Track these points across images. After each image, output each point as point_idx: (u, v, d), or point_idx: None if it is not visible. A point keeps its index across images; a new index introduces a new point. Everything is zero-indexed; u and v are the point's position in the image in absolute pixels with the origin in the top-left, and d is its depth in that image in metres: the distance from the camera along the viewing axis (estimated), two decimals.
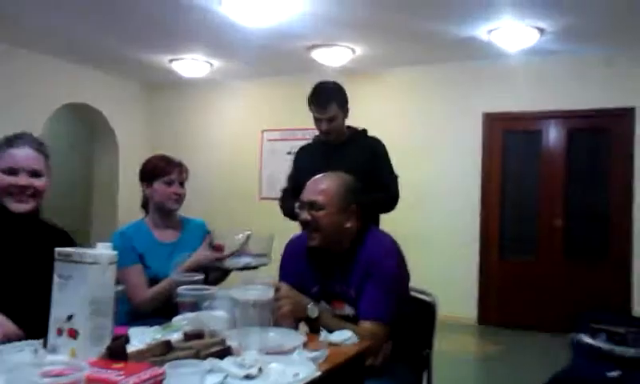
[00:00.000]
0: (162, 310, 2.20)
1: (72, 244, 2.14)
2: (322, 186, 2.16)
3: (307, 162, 3.28)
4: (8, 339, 1.61)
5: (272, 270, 2.20)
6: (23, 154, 2.01)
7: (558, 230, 6.16)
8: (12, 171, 1.99)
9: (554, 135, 6.29)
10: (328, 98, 3.15)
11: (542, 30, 5.30)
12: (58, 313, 1.51)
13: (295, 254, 2.29)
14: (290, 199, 3.12)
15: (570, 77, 6.07)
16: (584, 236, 6.15)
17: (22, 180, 1.99)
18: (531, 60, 6.11)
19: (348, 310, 2.12)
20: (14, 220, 2.02)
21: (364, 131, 3.38)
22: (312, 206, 2.13)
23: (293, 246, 2.34)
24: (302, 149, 3.47)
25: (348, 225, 2.13)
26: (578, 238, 6.15)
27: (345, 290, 2.12)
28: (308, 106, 3.23)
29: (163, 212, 2.59)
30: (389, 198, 3.23)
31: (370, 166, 3.13)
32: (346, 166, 3.12)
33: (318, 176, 2.22)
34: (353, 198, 2.15)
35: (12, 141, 2.03)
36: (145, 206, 2.68)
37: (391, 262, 2.12)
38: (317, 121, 3.20)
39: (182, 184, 2.60)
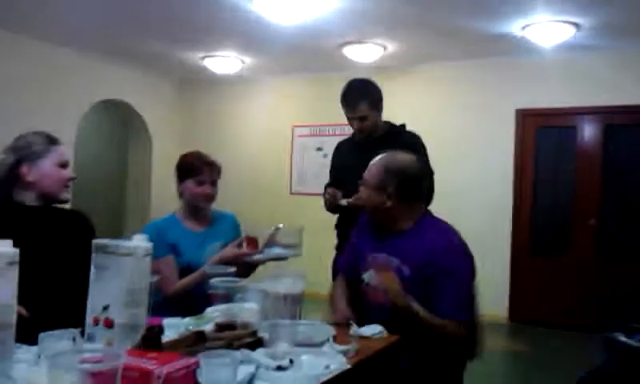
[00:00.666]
0: (193, 305, 2.23)
1: (88, 223, 2.26)
2: (372, 163, 2.27)
3: (344, 157, 3.28)
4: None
5: (303, 262, 2.23)
6: (66, 149, 2.19)
7: (592, 228, 6.05)
8: (66, 165, 2.16)
9: (589, 131, 6.17)
10: (358, 97, 3.12)
11: (577, 25, 5.20)
12: (94, 303, 1.55)
13: (362, 225, 2.42)
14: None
15: (606, 72, 5.95)
16: (620, 234, 6.02)
17: (72, 173, 2.19)
18: (565, 55, 6.00)
19: None
20: (33, 212, 2.12)
21: (402, 126, 3.33)
22: (361, 181, 2.29)
23: (362, 218, 2.45)
24: (341, 144, 3.45)
25: (388, 204, 2.18)
26: (613, 236, 6.03)
27: (399, 266, 2.14)
28: (340, 104, 3.22)
29: (193, 209, 2.63)
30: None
31: None
32: None
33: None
34: (391, 179, 2.19)
35: (55, 138, 2.18)
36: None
37: (468, 264, 2.17)
38: (349, 119, 3.19)
39: (213, 183, 2.61)
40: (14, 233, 1.99)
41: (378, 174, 2.22)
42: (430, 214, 2.34)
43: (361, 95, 3.13)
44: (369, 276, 2.15)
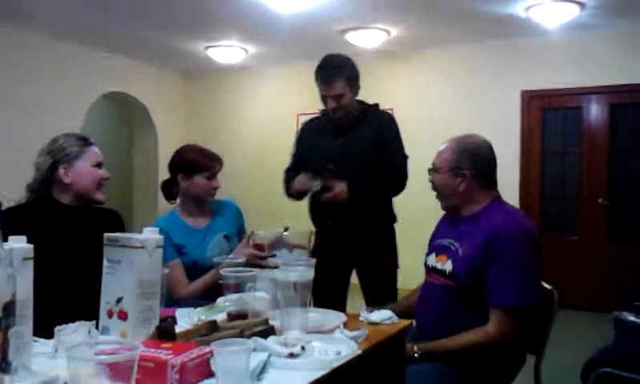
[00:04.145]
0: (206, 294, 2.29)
1: (120, 221, 2.35)
2: (441, 148, 2.24)
3: (315, 138, 3.07)
4: None
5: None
6: (99, 150, 2.24)
7: (601, 208, 6.05)
8: (100, 165, 2.22)
9: (595, 111, 6.15)
10: (334, 73, 2.84)
11: (581, 5, 5.17)
12: (107, 296, 1.57)
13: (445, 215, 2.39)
14: (292, 179, 2.98)
15: (612, 51, 5.91)
16: (628, 213, 6.02)
17: (106, 172, 2.24)
18: (570, 35, 5.97)
19: (447, 266, 2.12)
20: (68, 210, 2.19)
21: (375, 106, 3.12)
22: (432, 168, 2.24)
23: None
24: (308, 124, 3.22)
25: (462, 187, 2.16)
26: (622, 216, 6.03)
27: (455, 246, 2.13)
28: (315, 81, 2.94)
29: (198, 203, 2.66)
30: (396, 179, 2.96)
31: (379, 144, 2.93)
32: (356, 143, 2.91)
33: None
34: (465, 161, 2.16)
35: (87, 138, 2.24)
36: (168, 193, 2.72)
37: (524, 247, 2.04)
38: (322, 98, 2.91)
39: (215, 176, 2.68)
40: (51, 230, 2.07)
41: (452, 157, 2.18)
42: (500, 199, 2.27)
43: (337, 71, 2.86)
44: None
